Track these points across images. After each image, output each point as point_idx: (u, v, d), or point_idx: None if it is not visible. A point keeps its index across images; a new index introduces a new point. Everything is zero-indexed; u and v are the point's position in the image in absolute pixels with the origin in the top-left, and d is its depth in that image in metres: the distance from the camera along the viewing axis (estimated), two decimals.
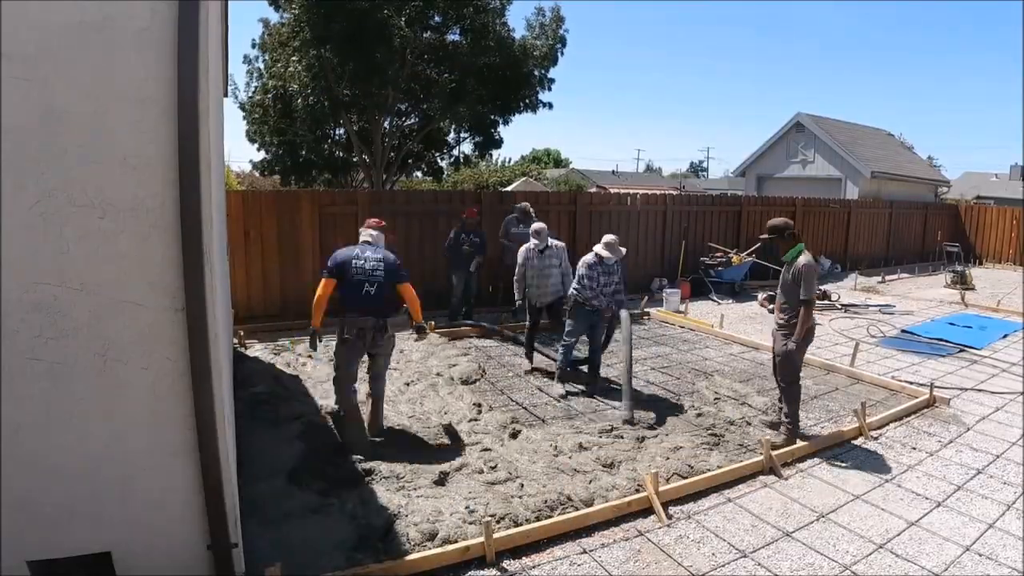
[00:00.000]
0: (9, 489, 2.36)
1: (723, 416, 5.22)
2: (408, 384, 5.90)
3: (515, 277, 6.39)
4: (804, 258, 4.55)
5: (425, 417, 5.07)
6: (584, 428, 4.88)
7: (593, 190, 29.85)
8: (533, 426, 4.94)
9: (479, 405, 5.35)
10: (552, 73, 16.03)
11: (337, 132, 17.58)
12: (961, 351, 7.70)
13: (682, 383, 6.22)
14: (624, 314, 5.61)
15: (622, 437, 4.71)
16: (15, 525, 2.39)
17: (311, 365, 6.50)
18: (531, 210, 8.32)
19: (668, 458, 4.36)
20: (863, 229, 16.10)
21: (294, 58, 13.74)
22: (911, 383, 6.15)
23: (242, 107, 16.68)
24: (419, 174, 22.41)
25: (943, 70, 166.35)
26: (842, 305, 10.50)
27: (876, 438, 4.88)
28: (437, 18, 14.77)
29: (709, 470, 4.16)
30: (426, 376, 6.13)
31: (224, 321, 3.80)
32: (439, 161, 19.75)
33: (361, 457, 4.19)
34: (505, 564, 3.18)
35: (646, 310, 9.58)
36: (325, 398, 5.49)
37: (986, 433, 5.05)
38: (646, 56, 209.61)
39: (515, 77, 15.14)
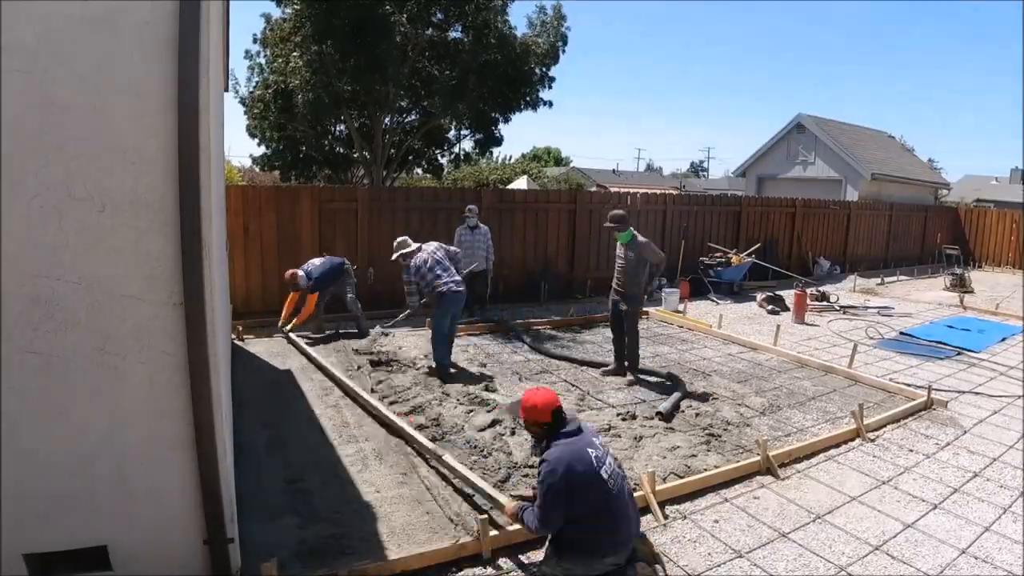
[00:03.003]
0: (6, 482, 2.36)
1: (720, 416, 5.23)
2: (410, 386, 5.89)
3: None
4: (641, 237, 6.07)
5: (421, 411, 5.07)
6: None
7: (593, 189, 29.83)
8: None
9: (476, 401, 5.35)
10: (553, 71, 16.02)
11: (338, 128, 17.56)
12: (959, 354, 7.70)
13: None
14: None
15: (619, 436, 4.71)
16: (12, 518, 2.39)
17: (303, 360, 6.51)
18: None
19: (665, 457, 4.36)
20: (863, 231, 16.11)
21: (295, 53, 13.72)
22: (909, 385, 6.15)
23: (243, 102, 16.63)
24: (419, 171, 22.38)
25: (944, 72, 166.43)
26: (841, 306, 10.50)
27: (873, 440, 4.89)
28: (439, 15, 14.76)
29: (706, 470, 4.17)
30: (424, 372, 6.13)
31: (223, 316, 3.80)
32: (439, 158, 19.74)
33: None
34: (501, 562, 3.18)
35: (644, 309, 9.56)
36: (323, 395, 5.50)
37: (983, 436, 5.06)
38: (648, 55, 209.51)
39: (516, 75, 15.12)
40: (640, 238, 6.16)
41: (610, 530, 2.83)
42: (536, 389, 3.11)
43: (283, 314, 7.48)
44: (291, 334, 7.25)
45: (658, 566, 3.06)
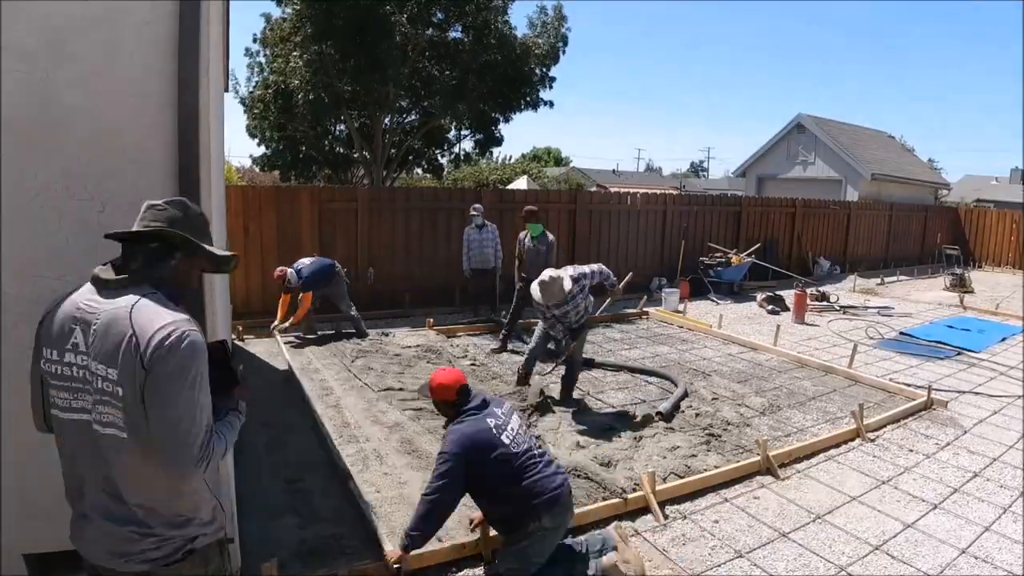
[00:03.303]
0: (6, 482, 2.35)
1: (721, 416, 5.22)
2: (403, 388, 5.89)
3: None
4: (551, 236, 6.91)
5: (419, 410, 5.07)
6: (582, 426, 4.88)
7: (593, 189, 29.83)
8: (531, 423, 4.94)
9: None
10: (553, 71, 16.04)
11: (338, 128, 17.58)
12: (959, 354, 7.70)
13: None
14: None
15: (620, 436, 4.71)
16: (12, 518, 2.39)
17: (303, 360, 6.51)
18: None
19: (665, 457, 4.36)
20: (863, 231, 16.12)
21: (295, 53, 13.74)
22: (909, 385, 6.15)
23: (243, 102, 16.67)
24: (419, 171, 22.40)
25: (944, 72, 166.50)
26: (841, 306, 10.51)
27: (873, 440, 4.89)
28: (439, 15, 14.77)
29: (706, 470, 4.17)
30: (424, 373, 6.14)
31: (223, 316, 3.80)
32: (439, 158, 19.75)
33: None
34: None
35: (645, 309, 9.59)
36: (323, 395, 5.50)
37: (983, 436, 5.06)
38: (648, 55, 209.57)
39: (516, 75, 15.15)
40: (550, 237, 6.94)
41: (529, 487, 2.85)
42: (443, 369, 3.18)
43: (278, 315, 7.36)
44: (279, 335, 7.18)
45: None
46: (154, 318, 1.53)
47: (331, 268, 7.34)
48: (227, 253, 1.84)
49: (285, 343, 7.05)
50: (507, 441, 2.91)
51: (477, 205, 8.48)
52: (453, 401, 3.05)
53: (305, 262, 7.24)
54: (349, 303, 7.52)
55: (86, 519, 1.60)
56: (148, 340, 1.50)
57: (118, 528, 1.56)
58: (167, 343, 1.50)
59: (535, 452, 3.01)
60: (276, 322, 7.36)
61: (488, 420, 2.96)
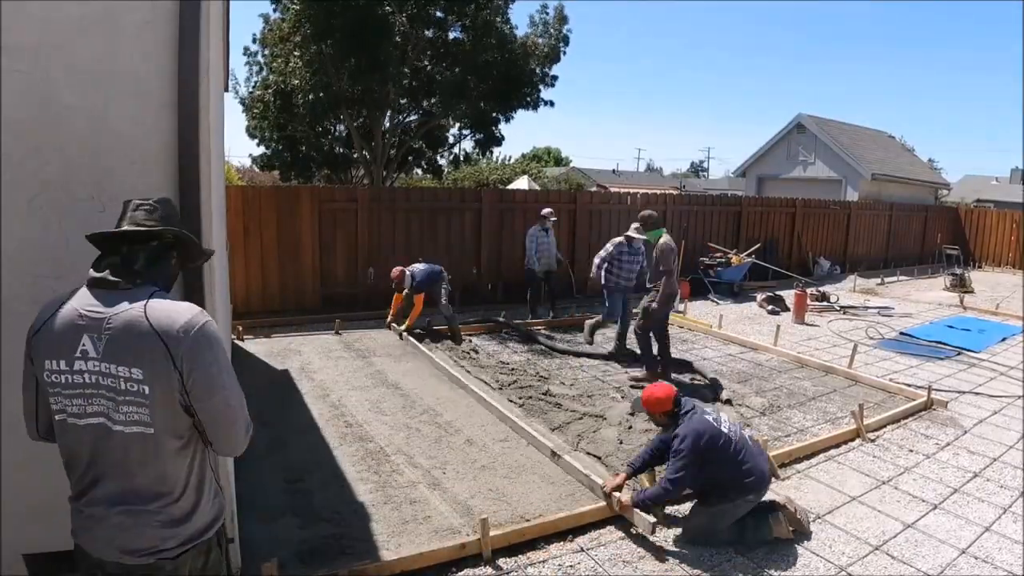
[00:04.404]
0: (6, 482, 2.35)
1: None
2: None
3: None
4: (664, 239, 5.88)
5: (419, 412, 5.08)
6: (582, 425, 4.88)
7: (593, 189, 29.81)
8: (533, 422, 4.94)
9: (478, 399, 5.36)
10: (554, 70, 16.01)
11: (337, 128, 17.55)
12: (959, 354, 7.70)
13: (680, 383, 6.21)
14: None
15: (631, 429, 4.70)
16: (12, 518, 2.39)
17: (302, 360, 6.50)
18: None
19: None
20: (863, 231, 16.12)
21: (295, 53, 13.71)
22: (909, 385, 6.15)
23: (242, 102, 16.65)
24: (419, 171, 22.37)
25: (945, 72, 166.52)
26: (841, 307, 10.50)
27: (873, 440, 4.89)
28: (439, 15, 14.75)
29: None
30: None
31: (223, 316, 3.80)
32: (439, 158, 19.72)
33: None
34: (500, 562, 3.17)
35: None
36: (323, 396, 5.50)
37: (984, 436, 5.06)
38: (648, 55, 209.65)
39: (516, 75, 15.11)
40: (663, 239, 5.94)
41: (745, 469, 3.31)
42: (654, 385, 3.67)
43: (391, 312, 7.86)
44: (407, 335, 7.51)
45: (800, 520, 3.45)
46: (171, 313, 1.55)
47: (439, 273, 7.70)
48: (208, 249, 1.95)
49: (408, 335, 7.49)
50: (726, 430, 3.39)
51: (549, 208, 8.71)
52: (670, 411, 3.50)
53: (419, 267, 7.65)
54: (448, 305, 7.70)
55: (96, 518, 1.60)
56: (175, 335, 1.52)
57: (133, 521, 1.57)
58: (193, 333, 1.54)
59: (745, 435, 3.50)
60: (389, 318, 7.89)
61: (707, 416, 3.43)
